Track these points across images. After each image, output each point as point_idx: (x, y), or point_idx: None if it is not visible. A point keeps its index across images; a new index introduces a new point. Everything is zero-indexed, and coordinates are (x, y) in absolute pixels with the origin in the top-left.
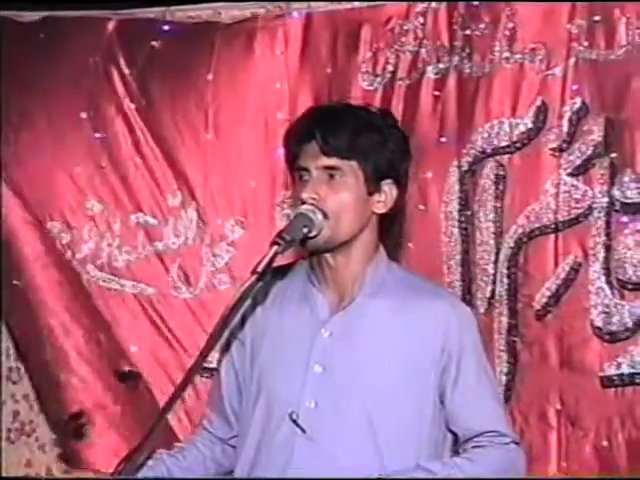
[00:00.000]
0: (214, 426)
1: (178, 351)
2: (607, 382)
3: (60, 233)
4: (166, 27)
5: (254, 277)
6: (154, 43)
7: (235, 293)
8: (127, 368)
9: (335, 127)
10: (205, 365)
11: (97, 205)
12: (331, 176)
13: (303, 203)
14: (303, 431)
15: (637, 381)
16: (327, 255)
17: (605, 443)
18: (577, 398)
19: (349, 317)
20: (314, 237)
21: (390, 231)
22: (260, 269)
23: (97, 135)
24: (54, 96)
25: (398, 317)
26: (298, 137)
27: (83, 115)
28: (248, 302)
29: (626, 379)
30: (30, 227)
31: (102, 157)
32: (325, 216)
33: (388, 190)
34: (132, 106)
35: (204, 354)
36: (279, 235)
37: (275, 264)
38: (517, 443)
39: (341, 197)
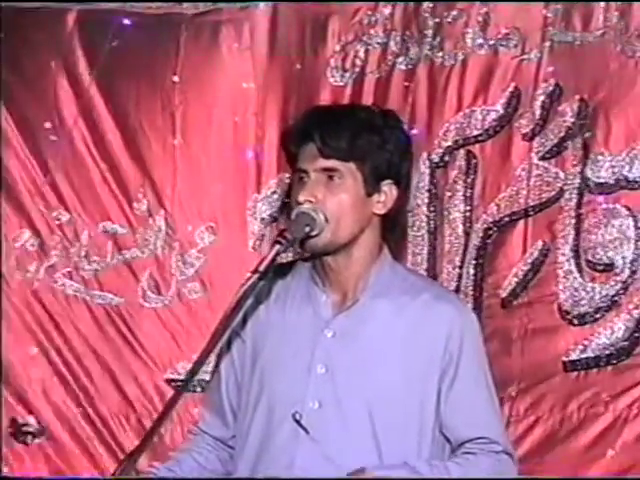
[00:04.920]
0: (210, 426)
1: (146, 361)
2: (570, 366)
3: (29, 240)
4: (127, 21)
5: (256, 276)
6: (117, 42)
7: (236, 293)
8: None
9: (333, 129)
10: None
11: (64, 214)
12: (329, 178)
13: (299, 205)
14: (306, 432)
15: (601, 364)
16: (328, 257)
17: (557, 426)
18: (536, 383)
19: (353, 318)
20: (315, 236)
21: (393, 231)
22: (262, 268)
23: (63, 142)
24: (18, 104)
25: (402, 319)
26: (296, 139)
27: (47, 125)
28: (250, 300)
29: (591, 362)
30: None
31: (69, 165)
32: (325, 219)
33: (388, 190)
34: (97, 111)
35: (206, 353)
36: (281, 234)
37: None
38: (509, 454)
39: (340, 199)
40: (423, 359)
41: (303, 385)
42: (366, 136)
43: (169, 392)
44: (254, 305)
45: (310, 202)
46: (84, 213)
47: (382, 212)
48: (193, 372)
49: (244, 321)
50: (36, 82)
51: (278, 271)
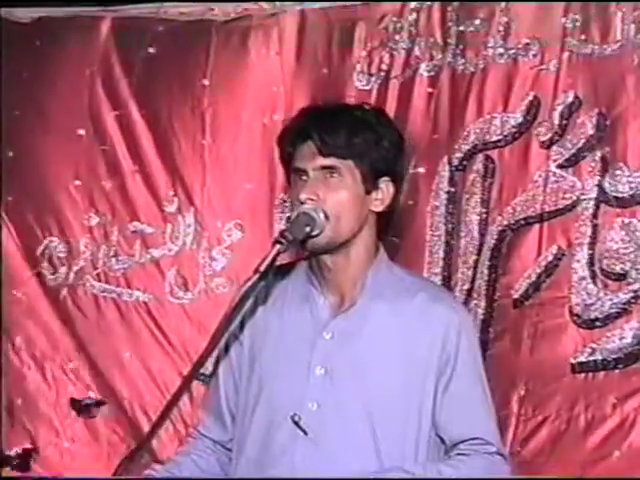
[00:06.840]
0: (210, 430)
1: (172, 357)
2: (578, 368)
3: (57, 247)
4: (161, 28)
5: (256, 276)
6: (150, 50)
7: (236, 293)
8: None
9: (332, 127)
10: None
11: (94, 217)
12: (329, 176)
13: (302, 204)
14: (305, 433)
15: (609, 367)
16: (326, 257)
17: (564, 426)
18: (544, 383)
19: (351, 320)
20: (316, 236)
21: (389, 228)
22: (262, 268)
23: (96, 147)
24: (52, 109)
25: (399, 320)
26: (293, 138)
27: (81, 132)
28: (249, 302)
29: (599, 365)
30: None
31: (101, 169)
32: (326, 217)
33: (385, 188)
34: (130, 115)
35: (206, 353)
36: (281, 234)
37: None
38: (503, 455)
39: (340, 196)
40: (421, 360)
41: (302, 387)
42: (362, 134)
43: (196, 386)
44: (252, 307)
45: (312, 200)
46: (114, 215)
47: (380, 209)
48: (196, 368)
49: (242, 323)
50: (70, 88)
51: (276, 273)
